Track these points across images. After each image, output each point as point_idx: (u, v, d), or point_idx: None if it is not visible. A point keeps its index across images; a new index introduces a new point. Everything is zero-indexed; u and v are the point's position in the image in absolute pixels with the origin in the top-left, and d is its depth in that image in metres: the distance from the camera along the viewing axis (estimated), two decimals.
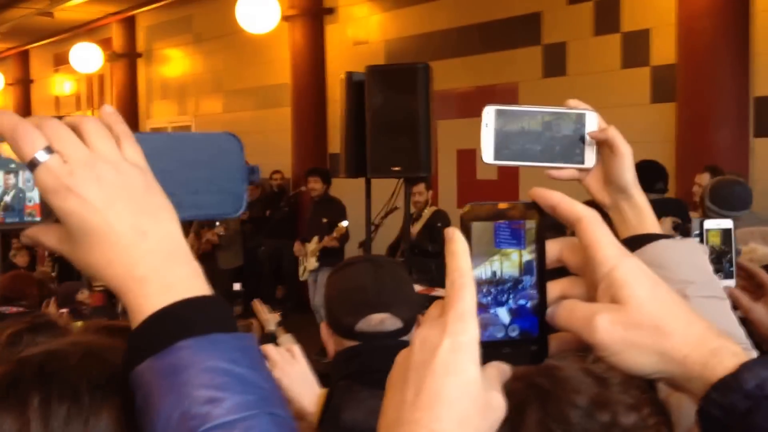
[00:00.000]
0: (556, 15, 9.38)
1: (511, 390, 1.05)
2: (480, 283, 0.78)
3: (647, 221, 1.41)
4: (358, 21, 11.94)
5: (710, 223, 2.38)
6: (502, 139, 1.35)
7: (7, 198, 0.86)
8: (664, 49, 8.25)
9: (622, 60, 8.76)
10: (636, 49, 8.60)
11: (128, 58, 16.82)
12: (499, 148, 1.35)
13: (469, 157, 9.84)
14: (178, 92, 15.98)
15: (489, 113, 1.35)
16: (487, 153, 1.35)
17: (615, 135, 1.37)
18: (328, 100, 11.87)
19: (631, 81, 8.65)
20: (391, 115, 5.24)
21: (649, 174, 5.88)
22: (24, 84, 21.20)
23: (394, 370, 0.77)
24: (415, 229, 7.92)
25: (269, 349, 2.14)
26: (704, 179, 6.55)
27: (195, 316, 0.78)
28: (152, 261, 0.79)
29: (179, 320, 0.77)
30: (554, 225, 0.85)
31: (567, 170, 1.39)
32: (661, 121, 8.28)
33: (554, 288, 0.82)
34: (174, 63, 16.05)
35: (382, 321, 2.17)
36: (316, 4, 12.26)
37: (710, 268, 1.43)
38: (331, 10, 12.27)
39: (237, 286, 8.03)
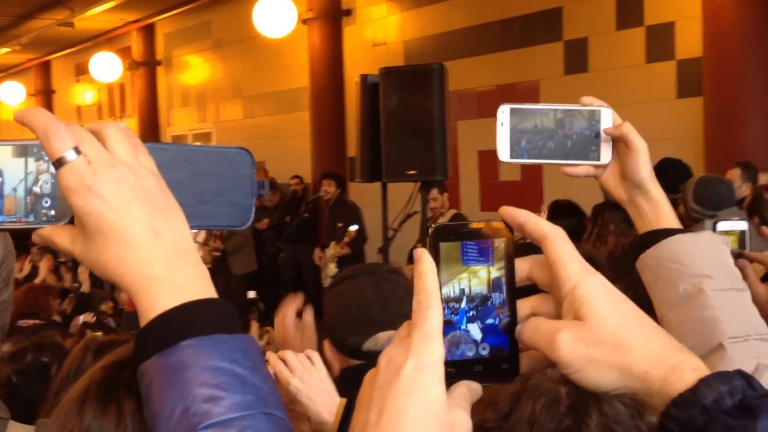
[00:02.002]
0: (577, 9, 9.17)
1: (557, 396, 1.14)
2: (448, 301, 0.79)
3: (664, 216, 1.43)
4: (377, 22, 11.80)
5: (724, 225, 2.27)
6: (518, 137, 1.38)
7: (36, 188, 0.88)
8: (689, 42, 8.03)
9: (647, 54, 8.54)
10: (660, 42, 8.38)
11: (148, 66, 16.81)
12: (515, 146, 1.38)
13: (490, 158, 9.61)
14: (198, 99, 15.93)
15: (504, 112, 1.38)
16: (503, 152, 1.38)
17: (630, 131, 1.39)
18: (346, 102, 11.74)
19: (656, 76, 8.43)
20: (405, 117, 5.12)
21: (673, 174, 5.66)
22: (46, 94, 21.29)
23: (362, 389, 0.78)
24: None
25: (288, 355, 2.07)
26: (735, 175, 6.34)
27: (200, 316, 0.81)
28: (164, 260, 0.83)
29: (185, 320, 0.81)
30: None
31: (582, 167, 1.42)
32: (688, 116, 8.08)
33: (524, 305, 0.83)
34: (193, 70, 16.01)
35: (390, 339, 2.06)
36: (333, 6, 12.14)
37: (730, 260, 1.43)
38: (348, 12, 12.14)
39: (252, 294, 7.97)
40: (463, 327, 0.80)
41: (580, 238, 4.25)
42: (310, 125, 12.27)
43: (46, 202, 0.88)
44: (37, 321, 6.07)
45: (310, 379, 2.03)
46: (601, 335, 0.77)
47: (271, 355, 2.08)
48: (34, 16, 15.16)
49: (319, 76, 12.12)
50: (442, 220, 7.90)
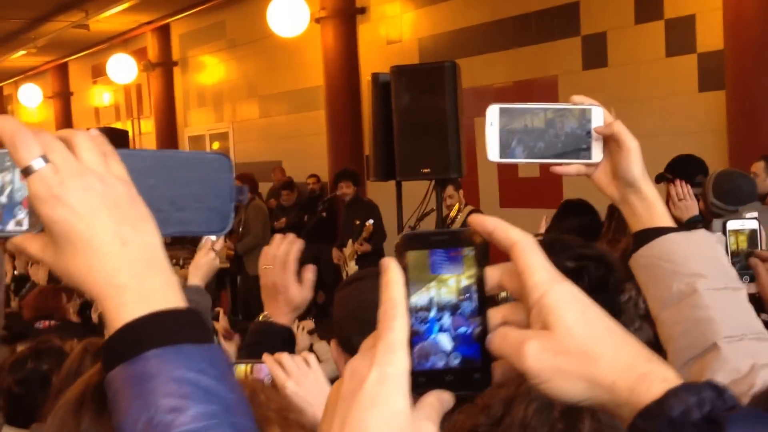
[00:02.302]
0: (594, 4, 9.04)
1: (550, 401, 1.08)
2: (417, 311, 0.78)
3: (657, 214, 1.42)
4: (391, 20, 11.71)
5: (735, 224, 2.21)
6: (507, 137, 1.37)
7: (3, 198, 0.88)
8: (710, 35, 7.89)
9: (667, 48, 8.40)
10: (681, 36, 8.25)
11: (164, 66, 16.80)
12: (505, 146, 1.37)
13: None
14: (215, 99, 15.92)
15: (493, 112, 1.37)
16: (493, 151, 1.38)
17: (621, 129, 1.38)
18: (362, 101, 11.65)
19: (677, 70, 8.29)
20: (418, 116, 5.03)
21: (688, 168, 5.57)
22: (64, 96, 21.37)
23: (328, 399, 0.79)
24: None
25: (284, 358, 2.02)
26: (760, 168, 6.22)
27: (166, 326, 0.82)
28: (132, 269, 0.83)
29: (151, 330, 0.81)
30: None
31: (574, 166, 1.40)
32: (710, 110, 7.93)
33: (496, 314, 0.80)
34: (209, 70, 15.99)
35: None
36: (347, 4, 12.07)
37: (724, 258, 1.43)
38: (363, 10, 12.06)
39: None
40: (432, 336, 0.78)
41: (591, 236, 4.14)
42: (326, 124, 12.21)
43: (20, 210, 0.89)
44: (53, 322, 6.06)
45: (306, 381, 1.99)
46: (568, 345, 0.75)
47: (267, 357, 2.03)
48: (49, 19, 15.19)
49: (334, 75, 12.05)
50: (460, 218, 7.80)
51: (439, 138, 4.98)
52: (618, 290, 2.32)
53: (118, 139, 12.46)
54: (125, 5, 13.71)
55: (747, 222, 2.28)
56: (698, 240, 1.41)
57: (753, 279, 2.26)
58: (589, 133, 1.38)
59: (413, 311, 0.77)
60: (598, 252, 2.34)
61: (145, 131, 18.00)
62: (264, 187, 12.73)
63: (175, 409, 0.78)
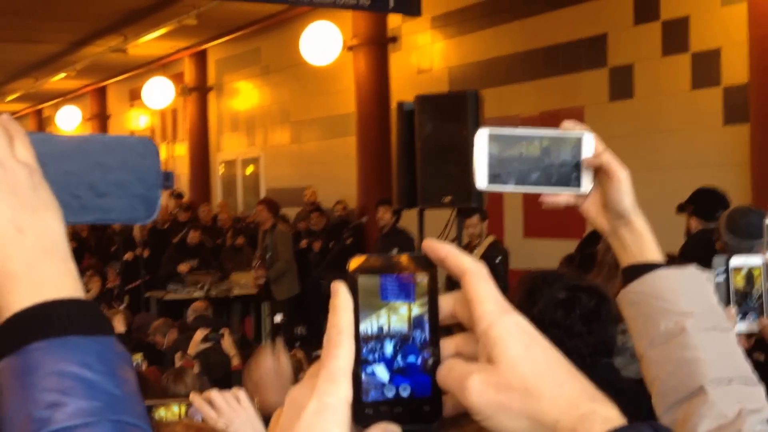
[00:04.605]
0: (622, 36, 9.11)
1: None
2: (366, 339, 0.74)
3: (648, 248, 1.37)
4: (422, 49, 11.85)
5: (738, 261, 2.14)
6: (495, 163, 1.32)
7: None
8: (735, 69, 7.93)
9: (692, 81, 8.44)
10: (706, 69, 8.29)
11: (199, 91, 17.05)
12: (494, 172, 1.32)
13: None
14: (247, 124, 16.12)
15: (482, 136, 1.32)
16: (481, 178, 1.32)
17: (610, 160, 1.33)
18: (392, 128, 11.78)
19: (702, 102, 8.33)
20: (440, 144, 5.09)
21: (708, 201, 5.57)
22: (101, 119, 21.71)
23: (269, 430, 0.76)
24: None
25: (214, 395, 2.03)
26: None
27: (54, 317, 0.78)
28: (26, 257, 0.80)
29: (37, 321, 0.77)
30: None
31: (563, 196, 1.35)
32: (734, 143, 7.96)
33: (449, 345, 0.76)
34: (243, 95, 16.21)
35: None
36: (379, 33, 12.22)
37: (713, 297, 1.38)
38: (394, 39, 12.21)
39: (278, 318, 8.01)
40: (382, 366, 0.74)
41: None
42: (357, 151, 12.33)
43: None
44: None
45: (237, 418, 1.99)
46: (511, 380, 0.71)
47: (195, 397, 2.05)
48: (88, 43, 15.49)
49: (366, 103, 12.19)
50: (480, 248, 7.85)
51: (461, 167, 5.02)
52: (612, 320, 2.37)
53: None
54: (163, 31, 13.98)
55: (751, 258, 2.21)
56: (689, 277, 1.36)
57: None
58: (579, 161, 1.32)
59: (362, 339, 0.74)
60: (590, 283, 2.39)
61: (178, 155, 18.25)
62: (292, 212, 12.87)
63: (53, 405, 0.74)
